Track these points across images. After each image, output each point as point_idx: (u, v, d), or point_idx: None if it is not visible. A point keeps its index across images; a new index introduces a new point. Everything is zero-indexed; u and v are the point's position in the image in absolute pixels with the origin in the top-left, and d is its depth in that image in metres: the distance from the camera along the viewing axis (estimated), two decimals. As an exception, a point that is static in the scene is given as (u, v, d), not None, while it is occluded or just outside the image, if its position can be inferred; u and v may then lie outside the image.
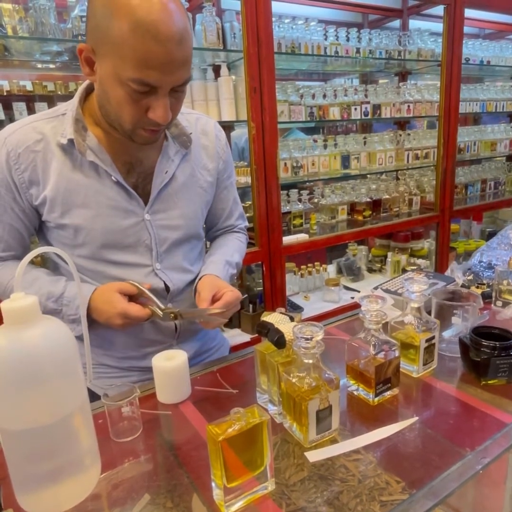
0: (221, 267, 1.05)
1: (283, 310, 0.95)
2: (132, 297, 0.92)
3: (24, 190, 0.90)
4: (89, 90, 0.92)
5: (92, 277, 0.96)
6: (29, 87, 1.76)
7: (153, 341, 1.02)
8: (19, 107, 1.65)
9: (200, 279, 1.01)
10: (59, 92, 1.77)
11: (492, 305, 1.23)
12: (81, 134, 0.89)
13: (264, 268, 2.04)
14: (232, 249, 1.14)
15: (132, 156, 0.95)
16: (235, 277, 1.15)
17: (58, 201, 0.90)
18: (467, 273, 1.38)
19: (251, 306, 2.17)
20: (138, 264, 0.97)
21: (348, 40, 2.36)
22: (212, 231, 1.20)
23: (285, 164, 2.24)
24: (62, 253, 0.65)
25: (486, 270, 1.39)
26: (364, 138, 2.66)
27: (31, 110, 1.68)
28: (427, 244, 2.97)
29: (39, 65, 1.99)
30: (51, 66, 2.00)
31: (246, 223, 1.24)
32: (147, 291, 0.92)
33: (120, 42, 0.72)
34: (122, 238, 0.95)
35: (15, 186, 0.90)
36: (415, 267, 2.55)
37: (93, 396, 0.88)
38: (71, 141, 0.88)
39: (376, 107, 2.52)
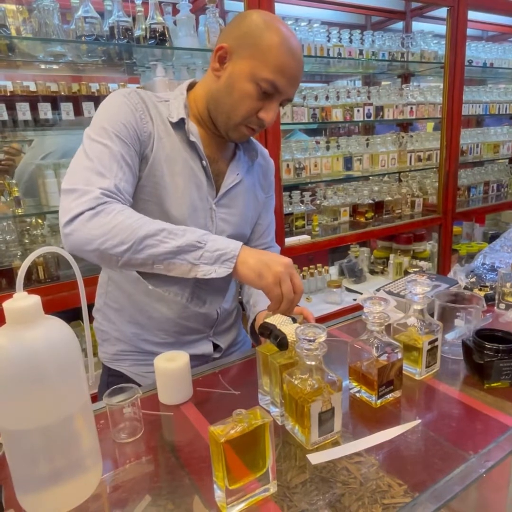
0: None
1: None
2: None
3: (146, 138, 0.95)
4: (188, 89, 1.05)
5: None
6: (32, 87, 1.76)
7: (192, 329, 1.06)
8: (22, 107, 1.65)
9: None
10: (62, 93, 1.76)
11: (495, 307, 1.23)
12: (187, 118, 1.00)
13: (266, 270, 2.02)
14: None
15: (214, 152, 1.05)
16: None
17: (161, 161, 0.96)
18: (470, 276, 1.37)
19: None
20: None
21: (351, 42, 2.36)
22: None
23: (288, 165, 2.24)
24: (65, 253, 0.65)
25: (489, 273, 1.39)
26: (367, 139, 2.65)
27: (34, 111, 1.68)
28: (429, 246, 2.97)
29: (43, 66, 1.99)
30: (55, 66, 2.00)
31: (279, 248, 1.30)
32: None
33: (267, 49, 0.90)
34: (196, 218, 1.01)
35: (139, 129, 0.94)
36: (417, 269, 2.54)
37: (128, 382, 0.93)
38: (181, 120, 0.98)
39: (379, 109, 2.52)
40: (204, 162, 1.01)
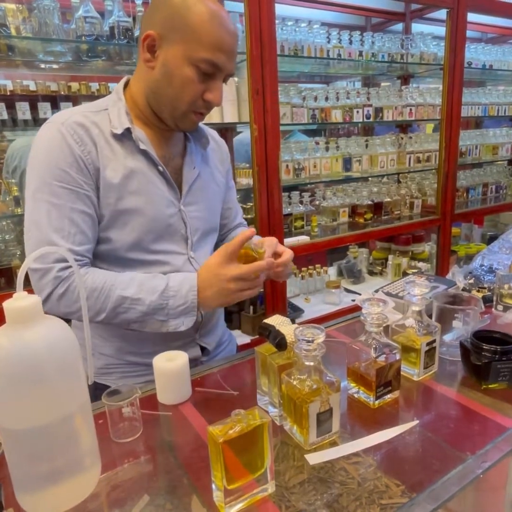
0: None
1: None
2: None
3: (92, 170, 0.91)
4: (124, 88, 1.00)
5: (133, 266, 0.98)
6: (32, 87, 1.76)
7: (179, 334, 1.03)
8: (22, 106, 1.65)
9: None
10: (62, 92, 1.76)
11: (493, 309, 1.23)
12: (132, 125, 0.95)
13: (265, 270, 2.02)
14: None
15: (168, 151, 1.02)
16: None
17: (114, 186, 0.92)
18: (468, 277, 1.38)
19: (251, 307, 2.16)
20: (177, 252, 1.02)
21: (351, 43, 2.36)
22: (222, 233, 1.24)
23: (287, 166, 2.24)
24: (66, 252, 0.66)
25: (487, 274, 1.39)
26: (366, 141, 2.66)
27: (34, 110, 1.68)
28: (428, 247, 2.97)
29: (43, 65, 1.99)
30: (55, 66, 2.00)
31: (246, 222, 1.32)
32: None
33: (198, 28, 0.85)
34: (165, 227, 0.99)
35: (84, 164, 0.90)
36: (416, 270, 2.55)
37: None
38: (126, 130, 0.93)
39: (378, 110, 2.52)
40: (160, 168, 0.97)
